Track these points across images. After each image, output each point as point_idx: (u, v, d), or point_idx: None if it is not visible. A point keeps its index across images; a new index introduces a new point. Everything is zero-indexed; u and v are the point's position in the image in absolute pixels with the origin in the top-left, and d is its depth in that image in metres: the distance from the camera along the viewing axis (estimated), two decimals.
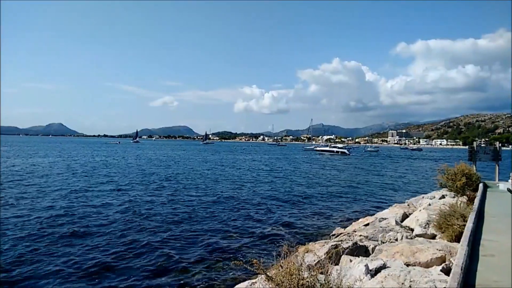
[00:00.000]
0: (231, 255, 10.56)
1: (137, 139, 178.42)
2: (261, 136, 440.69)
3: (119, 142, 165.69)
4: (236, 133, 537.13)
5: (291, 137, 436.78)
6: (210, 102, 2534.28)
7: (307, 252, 6.26)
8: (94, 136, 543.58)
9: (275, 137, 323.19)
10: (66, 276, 8.89)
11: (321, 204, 19.77)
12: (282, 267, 4.72)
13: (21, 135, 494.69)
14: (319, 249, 7.78)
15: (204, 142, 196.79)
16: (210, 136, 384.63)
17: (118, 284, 8.56)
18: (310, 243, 9.47)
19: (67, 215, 15.12)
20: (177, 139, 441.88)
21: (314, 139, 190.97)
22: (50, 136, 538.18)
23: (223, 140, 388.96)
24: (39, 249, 10.70)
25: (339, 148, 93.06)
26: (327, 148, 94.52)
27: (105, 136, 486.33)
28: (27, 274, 8.93)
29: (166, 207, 17.64)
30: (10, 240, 11.43)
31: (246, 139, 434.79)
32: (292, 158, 73.22)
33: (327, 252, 6.96)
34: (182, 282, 8.77)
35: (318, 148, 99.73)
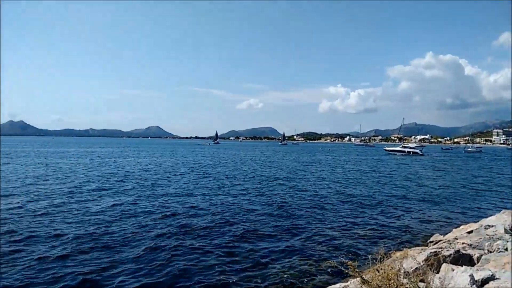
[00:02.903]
0: (321, 256, 10.56)
1: (217, 140, 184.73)
2: (347, 137, 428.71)
3: (209, 144, 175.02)
4: (321, 133, 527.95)
5: (380, 137, 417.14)
6: (294, 103, 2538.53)
7: (404, 258, 6.06)
8: (186, 138, 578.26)
9: (362, 138, 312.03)
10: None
11: (414, 208, 18.66)
12: (378, 271, 4.67)
13: (124, 137, 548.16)
14: (416, 256, 7.43)
15: (282, 143, 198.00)
16: (294, 137, 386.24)
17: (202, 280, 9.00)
18: (406, 249, 9.06)
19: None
20: (263, 140, 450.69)
21: (406, 139, 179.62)
22: (149, 138, 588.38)
23: (307, 141, 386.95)
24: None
25: (411, 148, 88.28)
26: (398, 148, 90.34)
27: (196, 137, 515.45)
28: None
29: (254, 204, 18.27)
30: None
31: (332, 140, 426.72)
32: (378, 158, 69.87)
33: (426, 259, 6.62)
34: (271, 281, 8.92)
35: (388, 148, 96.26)
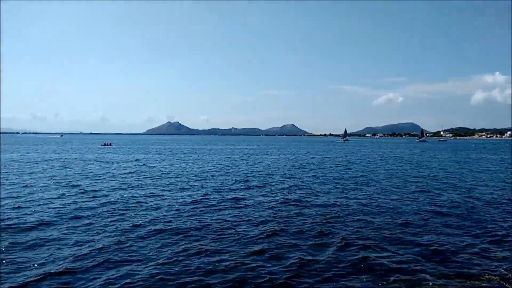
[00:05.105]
0: (477, 269, 8.76)
1: (346, 137, 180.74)
2: (508, 132, 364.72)
3: (343, 140, 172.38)
4: (474, 129, 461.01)
5: None
6: (440, 96, 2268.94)
7: None
8: (320, 135, 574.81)
9: None
10: None
11: None
12: None
13: (261, 136, 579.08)
14: None
15: (420, 139, 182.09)
16: (441, 133, 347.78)
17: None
18: None
19: None
20: (403, 136, 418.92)
21: None
22: (284, 136, 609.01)
23: (457, 138, 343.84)
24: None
25: None
26: None
27: (330, 135, 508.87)
28: None
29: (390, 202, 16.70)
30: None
31: (488, 136, 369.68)
32: None
33: None
34: None
35: None
